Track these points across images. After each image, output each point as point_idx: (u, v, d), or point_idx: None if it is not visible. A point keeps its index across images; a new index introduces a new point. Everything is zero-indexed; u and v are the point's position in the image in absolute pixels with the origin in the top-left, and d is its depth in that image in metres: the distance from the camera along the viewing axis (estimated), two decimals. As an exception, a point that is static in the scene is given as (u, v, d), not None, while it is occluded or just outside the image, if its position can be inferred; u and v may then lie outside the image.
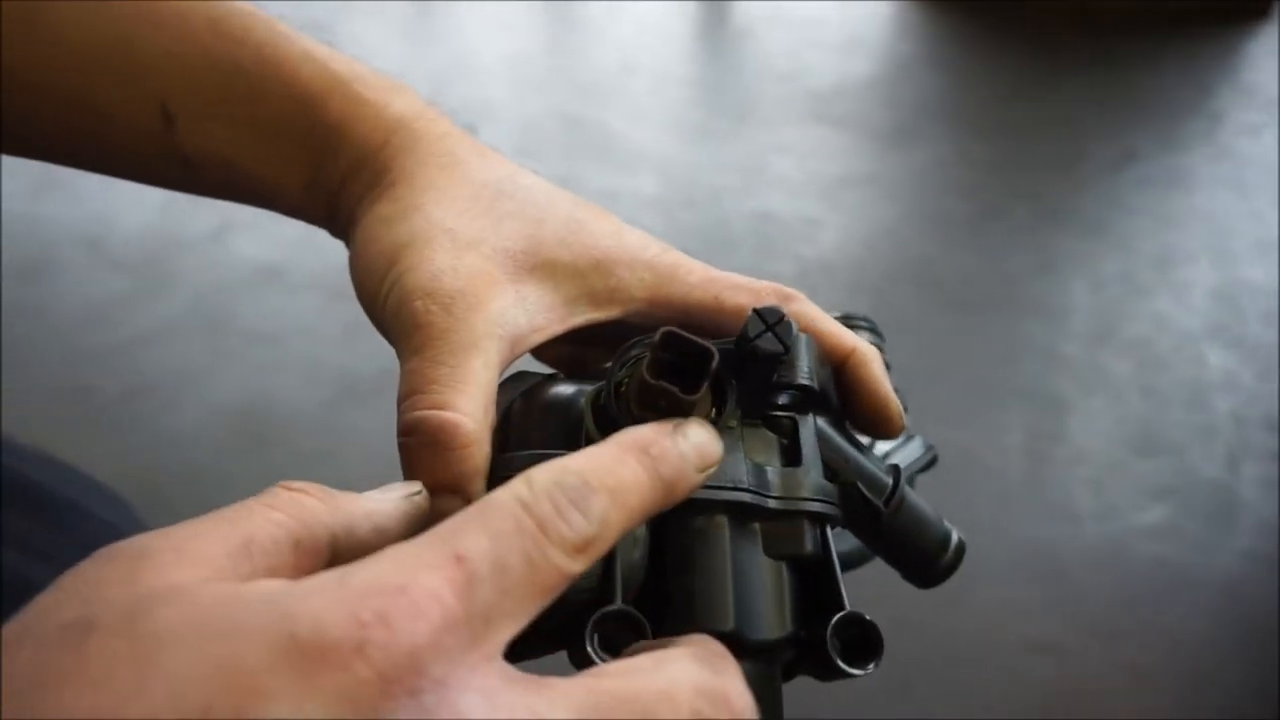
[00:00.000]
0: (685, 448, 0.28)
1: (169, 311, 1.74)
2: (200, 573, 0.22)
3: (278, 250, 1.81)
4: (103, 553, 0.23)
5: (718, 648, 0.26)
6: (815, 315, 0.36)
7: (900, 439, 0.43)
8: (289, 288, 1.75)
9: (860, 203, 1.89)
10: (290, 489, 0.26)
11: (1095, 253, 1.76)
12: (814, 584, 0.31)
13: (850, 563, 0.39)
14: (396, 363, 0.33)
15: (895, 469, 0.36)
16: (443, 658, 0.21)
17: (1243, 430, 1.50)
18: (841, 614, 0.30)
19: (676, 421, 0.29)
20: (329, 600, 0.21)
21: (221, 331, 1.70)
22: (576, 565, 0.24)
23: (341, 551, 0.26)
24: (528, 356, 0.37)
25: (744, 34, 2.39)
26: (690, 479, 0.28)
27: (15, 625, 0.21)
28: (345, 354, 1.63)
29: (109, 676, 0.19)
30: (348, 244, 0.39)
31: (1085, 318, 1.66)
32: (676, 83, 2.24)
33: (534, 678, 0.23)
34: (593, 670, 0.24)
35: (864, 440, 0.38)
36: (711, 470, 0.29)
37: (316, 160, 0.39)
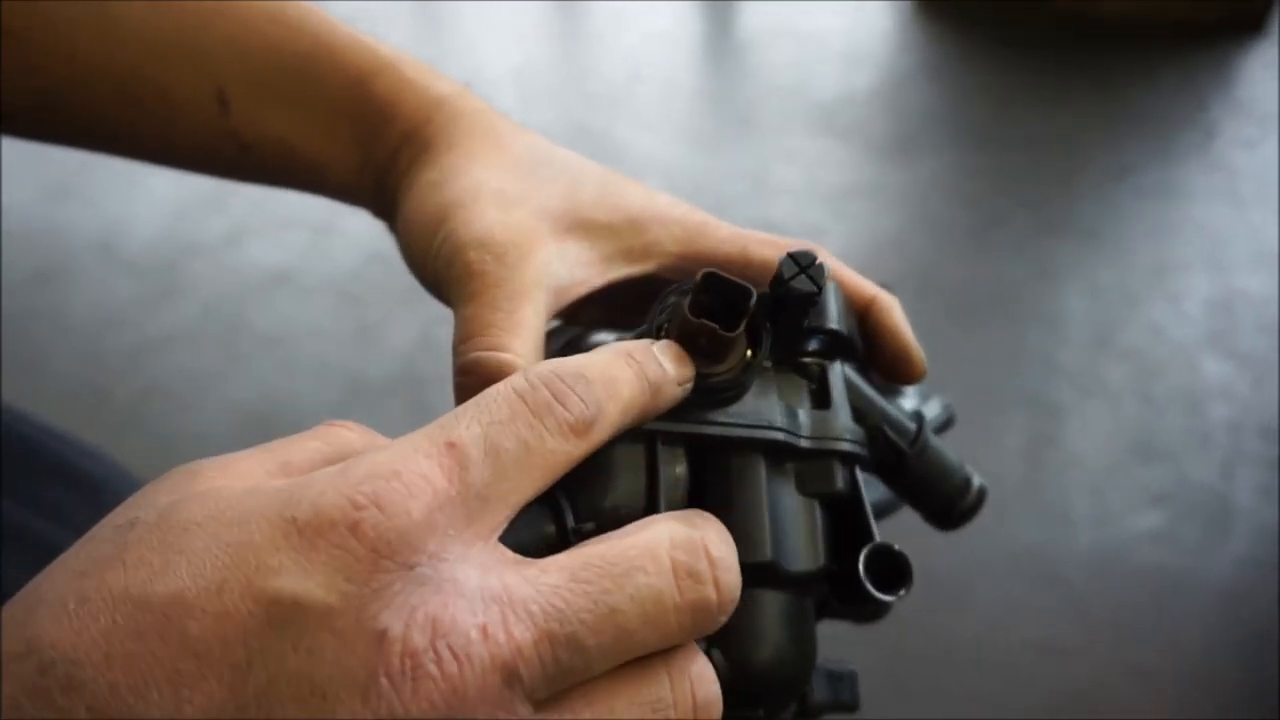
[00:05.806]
0: (662, 358, 0.29)
1: (183, 315, 1.77)
2: (240, 484, 0.25)
3: (289, 255, 1.83)
4: (166, 474, 0.26)
5: (699, 512, 0.28)
6: (838, 266, 0.38)
7: (920, 398, 0.45)
8: (300, 292, 1.78)
9: (863, 212, 1.91)
10: (332, 425, 0.29)
11: (1093, 262, 1.78)
12: (845, 522, 0.33)
13: (878, 512, 0.39)
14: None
15: (919, 414, 0.37)
16: (436, 535, 0.23)
17: (1238, 438, 1.51)
18: (872, 544, 0.31)
19: (649, 341, 0.30)
20: (328, 487, 0.23)
21: (234, 335, 1.73)
22: (575, 448, 0.26)
23: None
24: None
25: (749, 45, 2.41)
26: (671, 389, 0.29)
27: (93, 530, 0.24)
28: (354, 357, 1.65)
29: (142, 561, 0.22)
30: (392, 217, 0.41)
31: (1083, 325, 1.67)
32: (683, 93, 2.26)
33: (527, 558, 0.25)
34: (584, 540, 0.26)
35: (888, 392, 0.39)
36: (688, 386, 0.30)
37: (366, 137, 0.41)
